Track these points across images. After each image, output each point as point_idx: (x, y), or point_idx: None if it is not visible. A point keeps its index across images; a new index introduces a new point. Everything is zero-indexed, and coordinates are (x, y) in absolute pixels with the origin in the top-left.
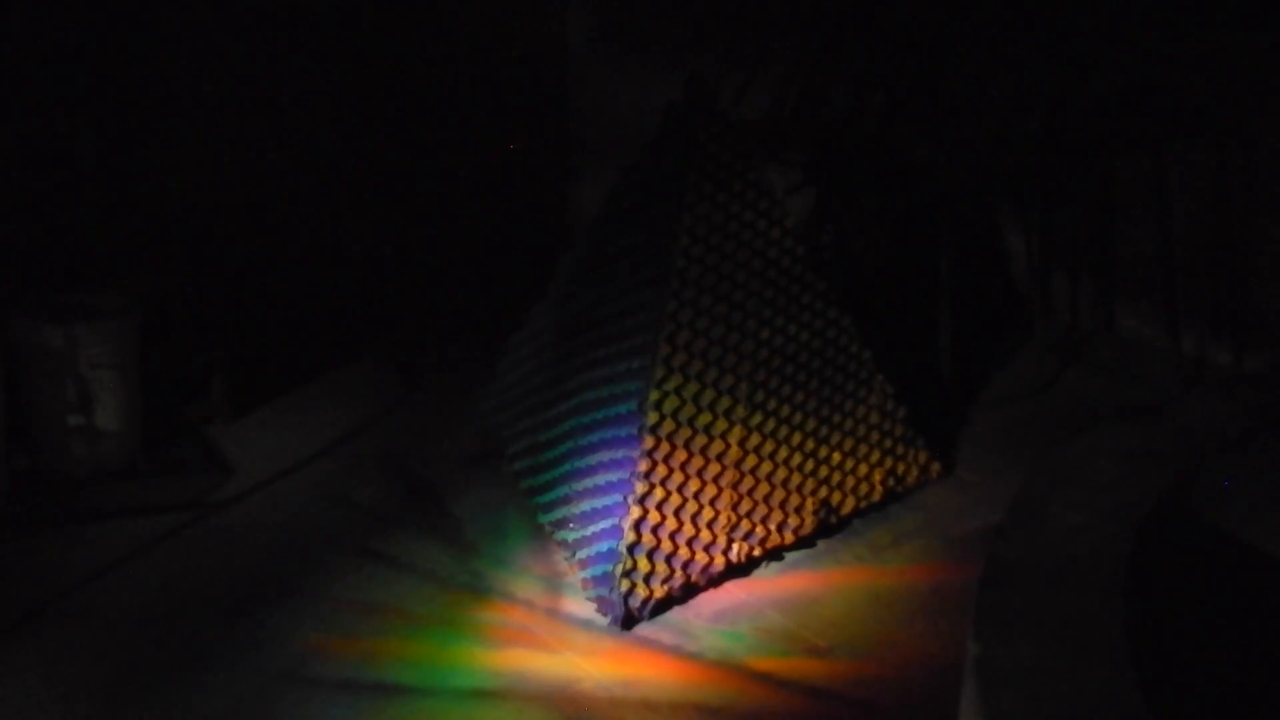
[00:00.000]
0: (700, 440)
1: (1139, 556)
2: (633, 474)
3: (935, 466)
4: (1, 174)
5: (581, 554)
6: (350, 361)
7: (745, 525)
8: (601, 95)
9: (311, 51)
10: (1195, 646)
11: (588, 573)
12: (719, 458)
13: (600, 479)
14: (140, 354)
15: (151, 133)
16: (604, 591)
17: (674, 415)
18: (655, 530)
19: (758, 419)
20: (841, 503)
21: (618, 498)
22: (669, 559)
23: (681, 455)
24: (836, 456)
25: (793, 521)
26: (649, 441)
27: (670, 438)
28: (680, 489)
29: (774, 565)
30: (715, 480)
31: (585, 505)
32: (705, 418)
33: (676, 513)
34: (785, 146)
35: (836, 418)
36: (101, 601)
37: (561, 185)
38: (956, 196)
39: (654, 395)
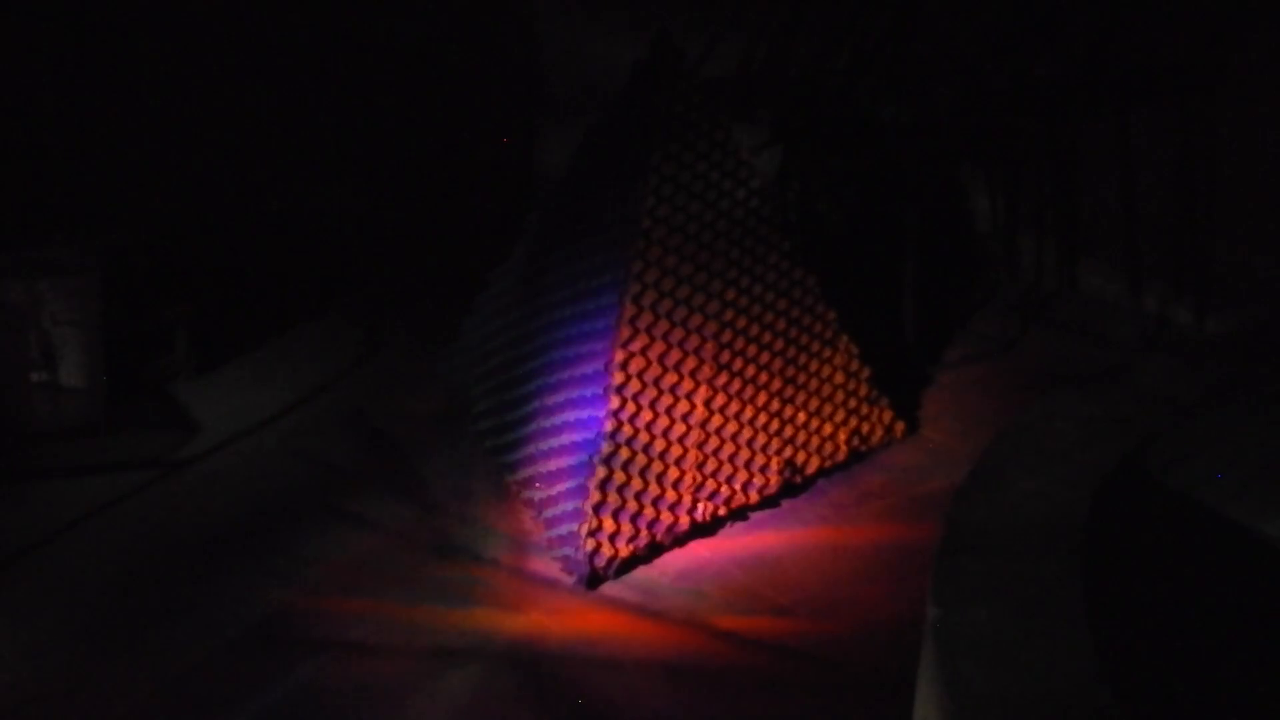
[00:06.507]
0: (666, 400)
1: (1096, 521)
2: (599, 434)
3: (899, 426)
4: None
5: (547, 513)
6: (316, 318)
7: (710, 485)
8: (569, 54)
9: (278, 6)
10: (1148, 606)
11: (553, 532)
12: (684, 418)
13: (566, 439)
14: (104, 310)
15: (116, 85)
16: (569, 551)
17: (639, 376)
18: (621, 490)
19: (723, 379)
20: (806, 462)
21: (584, 457)
22: (634, 519)
23: (647, 415)
24: (801, 416)
25: (758, 481)
26: (615, 401)
27: (636, 398)
28: (646, 449)
29: (739, 524)
30: (681, 440)
31: (551, 464)
32: (671, 378)
33: (642, 473)
34: (752, 105)
35: (801, 378)
36: (67, 558)
37: (528, 144)
38: (922, 156)
39: (619, 355)
